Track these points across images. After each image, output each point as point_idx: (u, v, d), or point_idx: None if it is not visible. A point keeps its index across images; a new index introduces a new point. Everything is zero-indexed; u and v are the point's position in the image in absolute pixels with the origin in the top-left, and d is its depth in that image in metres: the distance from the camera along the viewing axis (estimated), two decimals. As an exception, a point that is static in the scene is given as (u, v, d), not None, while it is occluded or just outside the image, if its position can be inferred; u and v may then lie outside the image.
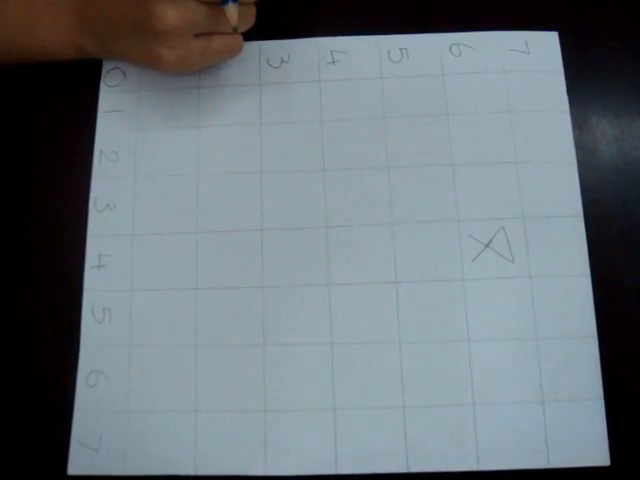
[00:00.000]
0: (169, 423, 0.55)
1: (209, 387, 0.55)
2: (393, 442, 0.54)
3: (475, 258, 0.57)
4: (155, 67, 0.58)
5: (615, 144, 0.60)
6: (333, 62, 0.63)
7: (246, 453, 0.54)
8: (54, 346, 0.57)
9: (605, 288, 0.56)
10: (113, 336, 0.57)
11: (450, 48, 0.63)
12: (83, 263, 0.59)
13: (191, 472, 0.54)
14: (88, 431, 0.55)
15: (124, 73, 0.63)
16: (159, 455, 0.54)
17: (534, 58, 0.62)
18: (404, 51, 0.62)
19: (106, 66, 0.64)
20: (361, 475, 0.54)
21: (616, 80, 0.62)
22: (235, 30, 0.55)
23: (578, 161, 0.59)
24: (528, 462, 0.53)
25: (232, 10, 0.53)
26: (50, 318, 0.58)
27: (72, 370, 0.56)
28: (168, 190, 0.60)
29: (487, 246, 0.57)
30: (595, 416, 0.54)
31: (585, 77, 0.62)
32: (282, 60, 0.63)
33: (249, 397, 0.55)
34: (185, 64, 0.57)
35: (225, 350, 0.56)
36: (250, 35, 0.59)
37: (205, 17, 0.55)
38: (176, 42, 0.55)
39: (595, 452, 0.53)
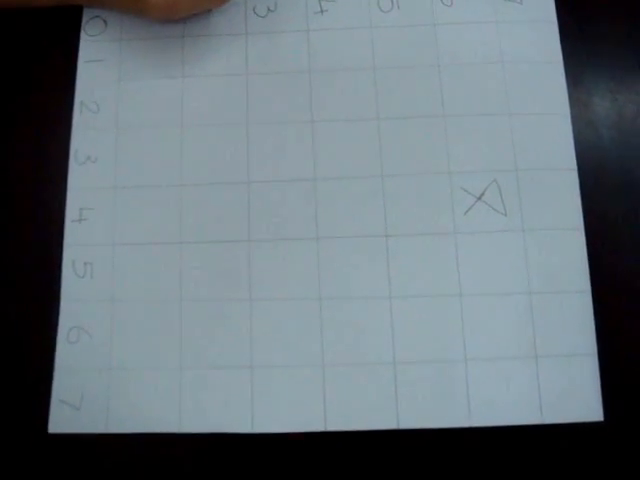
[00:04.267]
0: (153, 380, 0.54)
1: (194, 343, 0.54)
2: (383, 399, 0.53)
3: (467, 211, 0.56)
4: (142, 12, 0.57)
5: (609, 96, 0.59)
6: (321, 11, 0.61)
7: (232, 410, 0.53)
8: (34, 302, 0.56)
9: (599, 241, 0.56)
10: (95, 291, 0.55)
11: (442, -3, 0.61)
12: (63, 217, 0.57)
13: (175, 430, 0.53)
14: (69, 389, 0.54)
15: (105, 22, 0.61)
16: (142, 413, 0.53)
17: (527, 8, 0.61)
18: (394, 0, 0.61)
19: (86, 14, 0.62)
20: (351, 432, 0.52)
21: (611, 32, 0.61)
22: None
23: (572, 114, 0.58)
24: (521, 418, 0.52)
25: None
26: (30, 273, 0.56)
27: (52, 326, 0.55)
28: (151, 142, 0.58)
29: (479, 199, 0.56)
30: (589, 372, 0.53)
31: (578, 28, 0.61)
32: (269, 9, 0.61)
33: (235, 353, 0.54)
34: (173, 9, 0.56)
35: (210, 305, 0.55)
36: (236, -17, 0.58)
37: None
38: None
39: (589, 408, 0.53)
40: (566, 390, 0.53)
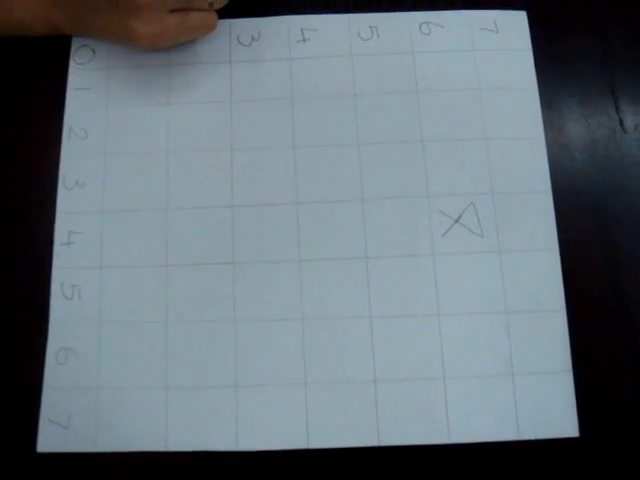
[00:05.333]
0: (139, 400, 0.55)
1: (180, 363, 0.55)
2: (364, 416, 0.54)
3: (445, 233, 0.57)
4: (129, 42, 0.58)
5: (583, 121, 0.61)
6: (303, 40, 0.63)
7: (217, 429, 0.54)
8: (23, 324, 0.57)
9: (573, 263, 0.57)
10: (82, 313, 0.56)
11: (420, 26, 0.63)
12: (52, 240, 0.58)
13: (162, 448, 0.54)
14: (57, 408, 0.54)
15: (93, 50, 0.63)
16: (129, 432, 0.54)
17: (503, 37, 0.62)
18: (374, 29, 0.63)
19: (75, 43, 0.63)
20: (333, 449, 0.53)
21: (583, 58, 0.63)
22: (211, 6, 0.55)
23: (546, 138, 0.60)
24: (498, 434, 0.54)
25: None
26: (19, 295, 0.57)
27: (41, 347, 0.56)
28: (138, 167, 0.60)
29: (457, 221, 0.57)
30: (564, 388, 0.54)
31: (553, 55, 0.62)
32: (253, 38, 0.63)
33: (220, 373, 0.55)
34: (159, 40, 0.57)
35: (196, 326, 0.56)
36: (221, 13, 0.60)
37: None
38: (151, 17, 0.55)
39: (564, 424, 0.54)
40: (542, 407, 0.54)
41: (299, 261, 0.57)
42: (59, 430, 0.54)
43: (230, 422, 0.54)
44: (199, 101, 0.61)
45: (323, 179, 0.59)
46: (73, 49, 0.63)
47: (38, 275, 0.58)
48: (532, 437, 0.54)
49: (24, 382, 0.55)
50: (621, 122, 0.61)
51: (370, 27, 0.63)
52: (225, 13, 0.60)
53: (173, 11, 0.56)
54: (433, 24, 0.63)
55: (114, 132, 0.61)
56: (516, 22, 0.63)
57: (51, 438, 0.54)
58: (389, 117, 0.60)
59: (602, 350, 0.56)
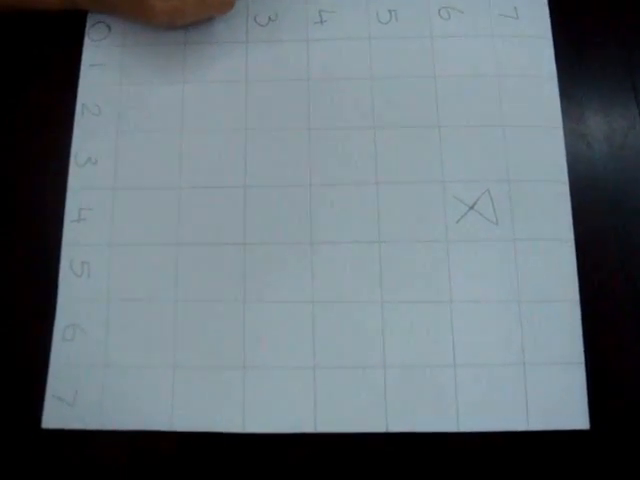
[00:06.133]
0: (146, 378, 0.54)
1: (188, 343, 0.55)
2: (373, 402, 0.54)
3: (459, 220, 0.56)
4: (146, 19, 0.58)
5: (601, 111, 0.60)
6: (321, 21, 0.62)
7: (224, 410, 0.54)
8: (32, 300, 0.56)
9: (588, 253, 0.56)
10: (91, 290, 0.56)
11: (439, 11, 0.62)
12: (63, 217, 0.57)
13: (167, 428, 0.53)
14: (64, 385, 0.54)
15: (109, 27, 0.62)
16: (135, 410, 0.54)
17: (522, 23, 0.62)
18: (393, 12, 0.62)
19: (90, 19, 0.63)
20: (340, 434, 0.53)
21: (604, 47, 0.62)
22: None
23: (564, 127, 0.59)
24: (508, 424, 0.53)
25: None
26: (28, 272, 0.57)
27: (49, 324, 0.56)
28: (151, 145, 0.59)
29: (471, 208, 0.57)
30: (575, 380, 0.54)
31: (573, 43, 0.62)
32: (270, 18, 0.63)
33: (228, 353, 0.54)
34: (178, 16, 0.57)
35: (205, 306, 0.55)
36: (238, -8, 0.59)
37: None
38: None
39: (575, 415, 0.53)
40: (553, 398, 0.53)
41: (311, 243, 0.56)
42: (64, 407, 0.54)
43: (237, 404, 0.53)
44: (214, 80, 0.61)
45: (338, 162, 0.58)
46: (88, 25, 0.63)
47: (47, 251, 0.57)
48: (542, 428, 0.53)
49: (31, 358, 0.55)
50: (641, 113, 0.60)
51: (389, 10, 0.62)
52: (243, -8, 0.59)
53: (191, -12, 0.55)
54: (452, 9, 0.62)
55: (128, 109, 0.60)
56: (537, 9, 0.62)
57: (56, 414, 0.54)
58: (406, 101, 0.60)
59: (614, 342, 0.55)
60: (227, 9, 0.59)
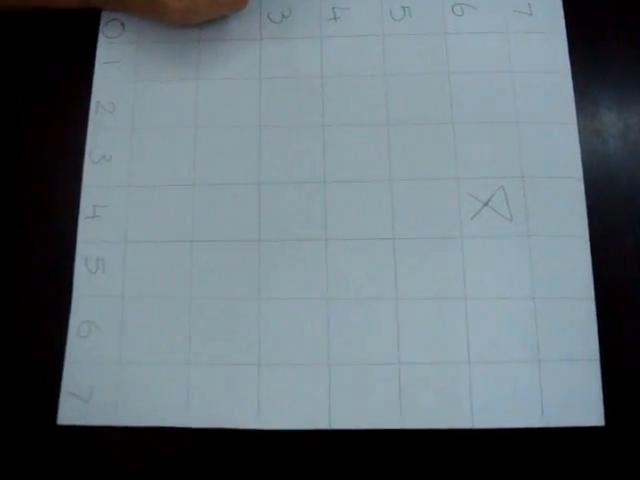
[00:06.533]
0: (161, 375, 0.54)
1: (202, 340, 0.55)
2: (387, 398, 0.54)
3: (474, 216, 0.56)
4: (159, 16, 0.58)
5: (616, 107, 0.60)
6: (335, 18, 0.62)
7: (239, 407, 0.54)
8: (46, 296, 0.57)
9: (603, 250, 0.56)
10: (106, 287, 0.56)
11: (452, 7, 0.62)
12: (77, 213, 0.57)
13: (182, 424, 0.53)
14: (79, 382, 0.54)
15: (123, 24, 0.63)
16: (150, 407, 0.54)
17: (536, 19, 0.62)
18: (406, 9, 0.62)
19: (105, 17, 0.63)
20: (355, 431, 0.53)
21: (618, 43, 0.62)
22: None
23: (579, 123, 0.59)
24: (523, 421, 0.53)
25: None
26: (43, 268, 0.57)
27: (64, 321, 0.56)
28: (165, 142, 0.59)
29: (486, 204, 0.57)
30: (591, 376, 0.54)
31: (587, 39, 0.62)
32: (283, 15, 0.63)
33: (243, 350, 0.55)
34: (191, 14, 0.57)
35: (219, 303, 0.56)
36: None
37: None
38: None
39: (590, 412, 0.53)
40: (568, 394, 0.53)
41: (325, 240, 0.56)
42: (80, 403, 0.54)
43: (252, 400, 0.53)
44: (228, 77, 0.61)
45: (351, 158, 0.58)
46: (102, 23, 0.63)
47: (62, 248, 0.57)
48: (557, 425, 0.53)
49: (46, 355, 0.55)
50: (655, 109, 0.60)
51: (402, 7, 0.62)
52: (256, -10, 0.59)
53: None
54: (466, 5, 0.62)
55: (142, 106, 0.60)
56: (550, 5, 0.62)
57: (71, 411, 0.54)
58: (420, 98, 0.60)
59: (630, 339, 0.55)
60: (240, 7, 0.59)
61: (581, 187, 0.57)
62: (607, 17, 0.62)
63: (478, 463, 0.53)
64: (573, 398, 0.53)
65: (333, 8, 0.62)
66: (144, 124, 0.60)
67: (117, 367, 0.54)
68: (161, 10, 0.56)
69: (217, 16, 0.60)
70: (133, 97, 0.61)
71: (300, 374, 0.54)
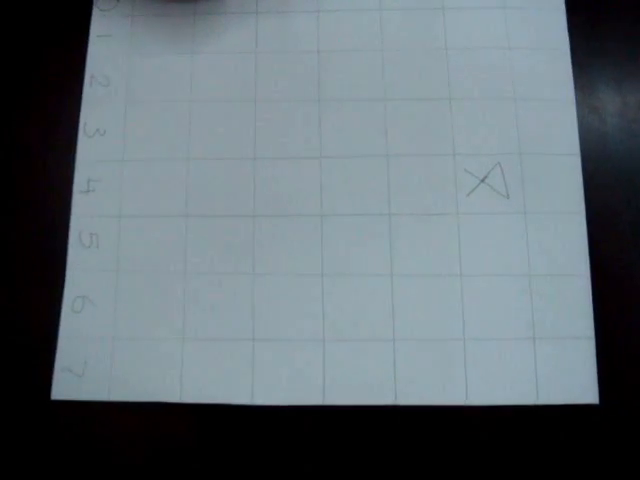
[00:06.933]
0: (155, 350, 0.54)
1: (197, 315, 0.55)
2: (382, 375, 0.53)
3: (470, 193, 0.56)
4: None
5: (614, 84, 0.59)
6: (332, -8, 0.61)
7: (233, 382, 0.54)
8: (40, 271, 0.56)
9: (599, 227, 0.56)
10: (100, 261, 0.56)
11: (451, -18, 0.61)
12: (71, 188, 0.57)
13: (176, 399, 0.53)
14: (73, 357, 0.54)
15: (117, -3, 0.62)
16: (144, 382, 0.54)
17: (535, -6, 0.61)
18: (404, -17, 0.61)
19: (99, -11, 0.62)
20: (349, 406, 0.53)
21: (618, 19, 0.61)
22: None
23: (576, 100, 0.58)
24: (517, 398, 0.53)
25: None
26: (37, 243, 0.57)
27: (58, 295, 0.55)
28: (160, 116, 0.59)
29: (482, 181, 0.56)
30: (586, 355, 0.53)
31: (586, 15, 0.61)
32: (280, -12, 0.62)
33: (237, 326, 0.54)
34: None
35: (214, 278, 0.55)
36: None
37: None
38: None
39: (584, 390, 0.53)
40: (562, 372, 0.53)
41: (321, 216, 0.56)
42: (74, 378, 0.54)
43: (246, 376, 0.53)
44: (224, 51, 0.60)
45: (348, 134, 0.58)
46: (97, -5, 0.62)
47: (56, 223, 0.57)
48: (550, 402, 0.53)
49: (40, 329, 0.55)
50: (654, 86, 0.59)
51: (400, -19, 0.61)
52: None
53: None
54: (465, -20, 0.61)
55: (136, 80, 0.60)
56: (550, -20, 0.61)
57: (65, 386, 0.54)
58: (417, 73, 0.59)
59: (625, 317, 0.55)
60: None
61: (578, 164, 0.57)
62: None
63: (472, 440, 0.53)
64: (568, 376, 0.53)
65: (330, -18, 0.62)
66: (139, 98, 0.59)
67: (111, 342, 0.54)
68: None
69: (213, -11, 0.59)
70: (128, 70, 0.60)
71: (294, 350, 0.54)
